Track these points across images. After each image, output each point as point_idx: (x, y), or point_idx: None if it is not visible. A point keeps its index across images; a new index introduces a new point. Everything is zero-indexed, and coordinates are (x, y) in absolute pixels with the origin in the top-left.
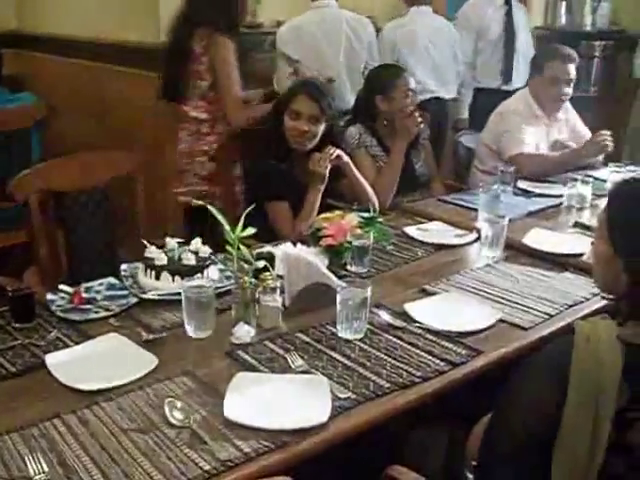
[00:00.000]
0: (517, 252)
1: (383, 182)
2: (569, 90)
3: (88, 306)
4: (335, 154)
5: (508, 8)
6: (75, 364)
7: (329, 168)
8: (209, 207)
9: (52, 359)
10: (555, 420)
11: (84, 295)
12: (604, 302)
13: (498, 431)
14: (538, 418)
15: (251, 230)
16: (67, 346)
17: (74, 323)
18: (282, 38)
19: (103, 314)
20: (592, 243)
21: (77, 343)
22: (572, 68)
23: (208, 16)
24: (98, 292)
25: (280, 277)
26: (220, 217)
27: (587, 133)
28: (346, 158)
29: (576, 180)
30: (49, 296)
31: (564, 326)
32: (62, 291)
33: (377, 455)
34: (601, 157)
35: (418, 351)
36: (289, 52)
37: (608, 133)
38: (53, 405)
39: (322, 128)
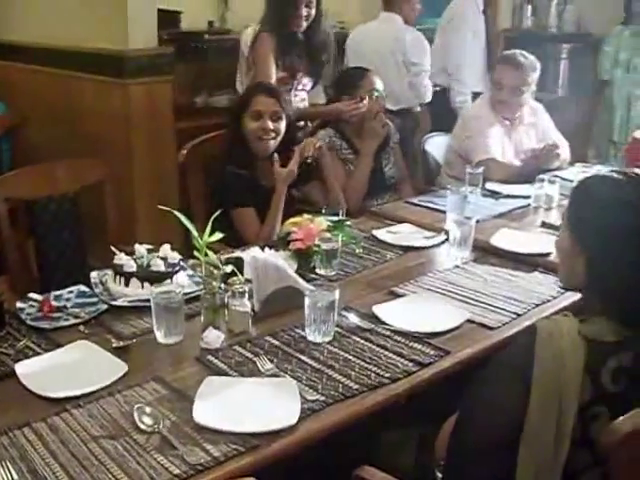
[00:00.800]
0: (485, 253)
1: (353, 185)
2: (512, 97)
3: (58, 314)
4: (318, 144)
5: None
6: (45, 372)
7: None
8: (175, 213)
9: (22, 368)
10: (520, 418)
11: (53, 303)
12: (571, 300)
13: (464, 431)
14: (503, 417)
15: (219, 235)
16: (37, 354)
17: (44, 331)
18: None
19: (73, 321)
20: (556, 237)
21: (47, 351)
22: (515, 74)
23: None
24: (68, 300)
25: (249, 281)
26: (187, 223)
27: (558, 137)
28: (324, 150)
29: (543, 180)
30: (19, 304)
31: (531, 325)
32: (32, 299)
33: (348, 456)
34: (567, 158)
35: (387, 352)
36: None
37: (553, 144)
38: (23, 414)
39: (284, 125)
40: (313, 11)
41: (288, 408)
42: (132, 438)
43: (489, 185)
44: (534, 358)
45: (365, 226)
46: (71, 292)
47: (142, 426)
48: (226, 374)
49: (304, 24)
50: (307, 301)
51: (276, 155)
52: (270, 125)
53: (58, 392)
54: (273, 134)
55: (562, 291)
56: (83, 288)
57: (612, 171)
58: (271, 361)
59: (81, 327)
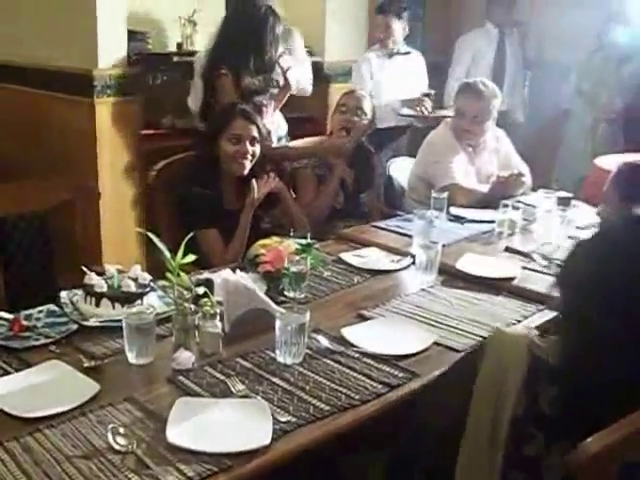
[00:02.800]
0: (451, 276)
1: (316, 204)
2: (472, 125)
3: (28, 333)
4: (275, 181)
5: (501, 38)
6: (16, 392)
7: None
8: (149, 234)
9: None
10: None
11: (24, 322)
12: (535, 324)
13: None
14: (449, 417)
15: (192, 257)
16: (7, 373)
17: (14, 351)
18: None
19: (43, 341)
20: None
21: (18, 370)
22: (477, 104)
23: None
24: (38, 319)
25: (220, 303)
26: (160, 245)
27: (519, 163)
28: (280, 184)
29: (507, 206)
30: None
31: (482, 340)
32: (1, 318)
33: (318, 478)
34: (530, 184)
35: (356, 374)
36: None
37: (519, 173)
38: None
39: (259, 148)
40: None
41: (260, 429)
42: (106, 458)
43: (453, 210)
44: (478, 371)
45: (332, 249)
46: (41, 311)
47: (116, 446)
48: (198, 395)
49: None
50: (278, 323)
51: (254, 181)
52: (249, 149)
53: (30, 412)
54: (250, 157)
55: (526, 314)
56: (53, 307)
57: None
58: (242, 382)
59: (52, 347)
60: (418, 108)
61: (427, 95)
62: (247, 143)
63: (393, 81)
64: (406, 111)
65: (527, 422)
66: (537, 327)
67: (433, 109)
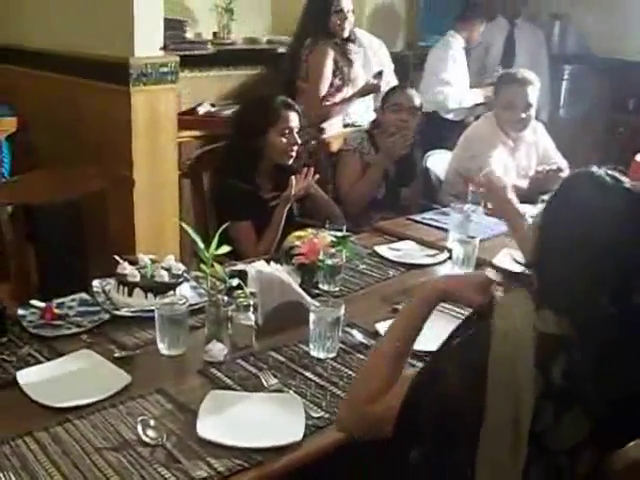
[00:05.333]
0: None
1: (356, 189)
2: (525, 114)
3: (60, 322)
4: (312, 178)
5: (510, 29)
6: (47, 381)
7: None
8: (183, 224)
9: (24, 376)
10: (474, 413)
11: (56, 311)
12: None
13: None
14: (457, 406)
15: (226, 248)
16: (39, 362)
17: (46, 339)
18: None
19: (75, 330)
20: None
21: (49, 359)
22: (526, 92)
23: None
24: (70, 308)
25: (253, 295)
26: (194, 236)
27: (558, 157)
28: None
29: (544, 200)
30: (20, 311)
31: (483, 323)
32: (33, 306)
33: (350, 474)
34: None
35: None
36: None
37: (558, 168)
38: (24, 422)
39: None
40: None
41: (293, 424)
42: (136, 451)
43: (491, 204)
44: (488, 357)
45: (368, 242)
46: (73, 300)
47: (146, 439)
48: (230, 388)
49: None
50: (312, 317)
51: (293, 177)
52: (298, 140)
53: (61, 402)
54: (297, 147)
55: None
56: (85, 296)
57: (608, 169)
58: (275, 376)
59: (83, 336)
60: None
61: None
62: (295, 134)
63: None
64: None
65: (540, 398)
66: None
67: None
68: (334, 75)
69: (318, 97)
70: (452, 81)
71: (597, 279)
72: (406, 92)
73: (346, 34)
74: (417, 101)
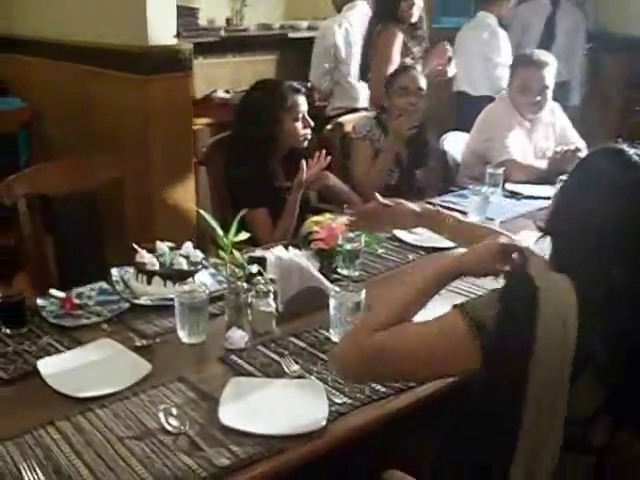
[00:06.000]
0: None
1: (370, 176)
2: (541, 97)
3: (79, 312)
4: (324, 160)
5: (553, 10)
6: (68, 370)
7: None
8: (200, 212)
9: (44, 365)
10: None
11: (75, 301)
12: None
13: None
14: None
15: (245, 235)
16: (59, 352)
17: (66, 329)
18: None
19: (95, 320)
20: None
21: (69, 349)
22: (542, 75)
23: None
24: (90, 297)
25: (272, 281)
26: (213, 223)
27: (576, 138)
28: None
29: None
30: (39, 301)
31: (524, 278)
32: (53, 296)
33: (373, 459)
34: None
35: None
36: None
37: (576, 148)
38: (47, 412)
39: None
40: None
41: (316, 410)
42: (158, 439)
43: (509, 186)
44: (537, 313)
45: None
46: (93, 290)
47: (168, 427)
48: (251, 375)
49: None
50: (333, 302)
51: (303, 162)
52: (312, 122)
53: (82, 391)
54: (310, 131)
55: None
56: (105, 286)
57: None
58: (297, 362)
59: (103, 325)
60: None
61: None
62: (307, 116)
63: None
64: None
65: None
66: None
67: None
68: (404, 56)
69: (383, 77)
70: (506, 63)
71: (610, 250)
72: (410, 74)
73: (414, 19)
74: (422, 82)
